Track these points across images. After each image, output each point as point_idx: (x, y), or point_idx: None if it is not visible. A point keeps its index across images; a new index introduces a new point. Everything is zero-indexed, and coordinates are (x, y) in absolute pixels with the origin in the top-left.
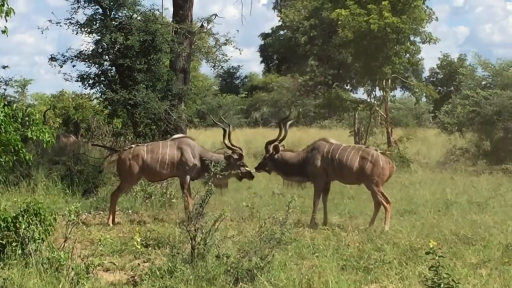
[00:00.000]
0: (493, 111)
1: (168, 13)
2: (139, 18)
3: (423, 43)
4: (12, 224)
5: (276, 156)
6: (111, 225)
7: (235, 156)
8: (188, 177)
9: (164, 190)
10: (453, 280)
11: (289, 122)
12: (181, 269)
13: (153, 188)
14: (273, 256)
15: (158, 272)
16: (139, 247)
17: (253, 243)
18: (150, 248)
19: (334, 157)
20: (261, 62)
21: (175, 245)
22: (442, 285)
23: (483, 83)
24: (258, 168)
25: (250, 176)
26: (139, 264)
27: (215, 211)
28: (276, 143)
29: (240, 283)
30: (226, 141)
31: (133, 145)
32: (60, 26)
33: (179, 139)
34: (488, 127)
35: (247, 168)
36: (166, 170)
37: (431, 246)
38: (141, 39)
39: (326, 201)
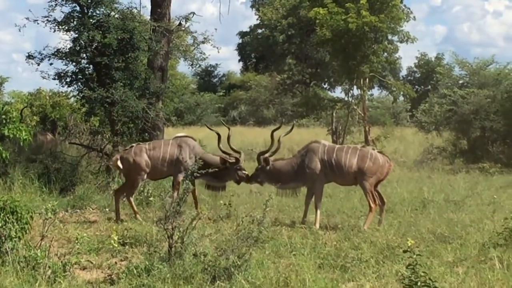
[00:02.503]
0: (470, 110)
1: (146, 11)
2: (116, 16)
3: (401, 42)
4: None
5: (267, 167)
6: (139, 219)
7: (231, 160)
8: (180, 176)
9: (142, 189)
10: (430, 279)
11: (283, 134)
12: (158, 267)
13: None
14: (251, 254)
15: (135, 271)
16: (116, 245)
17: (230, 242)
18: (127, 247)
19: (331, 158)
20: (239, 60)
21: (152, 243)
22: (419, 284)
23: (460, 82)
24: (250, 181)
25: (247, 180)
26: (116, 263)
27: (192, 209)
28: (266, 155)
29: (217, 282)
30: (221, 146)
31: (133, 144)
32: (38, 24)
33: (180, 138)
34: (465, 126)
35: (244, 172)
36: (167, 168)
37: (408, 244)
38: (119, 37)
39: (308, 203)
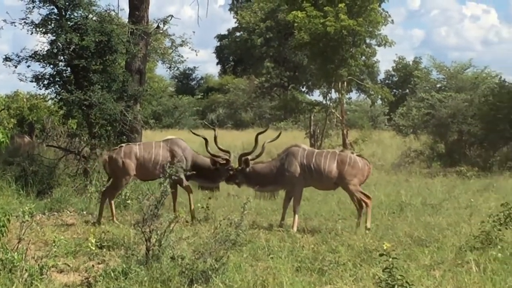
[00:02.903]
0: (448, 113)
1: (124, 14)
2: (94, 18)
3: (379, 45)
4: None
5: (247, 169)
6: (116, 222)
7: (221, 161)
8: (183, 178)
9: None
10: (407, 282)
11: (268, 140)
12: (135, 270)
13: None
14: (228, 257)
15: (112, 274)
16: (93, 248)
17: (208, 245)
18: (104, 250)
19: (310, 163)
20: (217, 63)
21: (129, 246)
22: (396, 287)
23: (438, 85)
24: (228, 180)
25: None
26: (93, 266)
27: (170, 212)
28: (247, 156)
29: (195, 285)
30: (209, 149)
31: (122, 145)
32: (15, 26)
33: (171, 140)
34: (442, 129)
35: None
36: (158, 170)
37: (385, 248)
38: (97, 40)
39: (286, 207)
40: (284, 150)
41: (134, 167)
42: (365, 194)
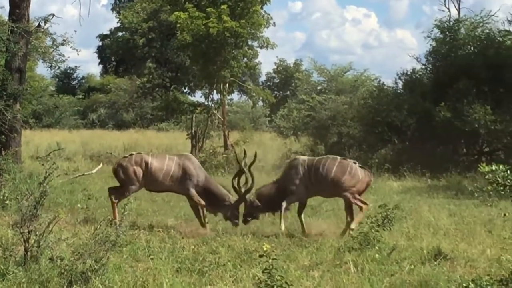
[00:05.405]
0: (328, 116)
1: (4, 12)
2: None
3: (261, 47)
4: None
5: (254, 203)
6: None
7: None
8: (193, 192)
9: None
10: (286, 282)
11: (248, 164)
12: (13, 271)
13: None
14: (108, 258)
15: None
16: None
17: (87, 246)
18: None
19: (311, 171)
20: (99, 63)
21: (7, 247)
22: (275, 287)
23: (319, 88)
24: (245, 222)
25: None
26: None
27: (49, 213)
28: (250, 199)
29: (74, 286)
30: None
31: (133, 153)
32: None
33: (185, 156)
34: (322, 131)
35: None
36: (168, 183)
37: (265, 248)
38: None
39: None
40: (285, 165)
41: (143, 176)
42: (360, 201)
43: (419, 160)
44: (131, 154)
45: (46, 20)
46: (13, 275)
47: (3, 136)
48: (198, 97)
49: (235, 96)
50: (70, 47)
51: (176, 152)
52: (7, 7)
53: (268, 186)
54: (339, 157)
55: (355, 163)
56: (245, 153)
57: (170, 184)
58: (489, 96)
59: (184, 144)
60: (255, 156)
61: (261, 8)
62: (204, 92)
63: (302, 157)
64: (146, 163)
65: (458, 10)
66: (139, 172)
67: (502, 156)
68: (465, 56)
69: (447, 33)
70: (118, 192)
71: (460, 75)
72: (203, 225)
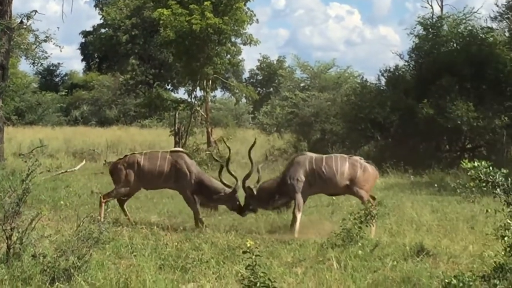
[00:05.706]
0: (311, 112)
1: None
2: None
3: (244, 44)
4: None
5: (254, 194)
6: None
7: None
8: (188, 191)
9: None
10: (269, 279)
11: (260, 165)
12: None
13: None
14: (91, 255)
15: None
16: None
17: (70, 242)
18: None
19: (320, 168)
20: (82, 60)
21: None
22: (258, 284)
23: (302, 85)
24: (241, 212)
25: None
26: None
27: (32, 210)
28: (249, 186)
29: (57, 283)
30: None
31: (128, 154)
32: None
33: (177, 153)
34: (306, 128)
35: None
36: (162, 181)
37: (248, 245)
38: None
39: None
40: (289, 160)
41: (135, 177)
42: (372, 197)
43: (402, 157)
44: (126, 156)
45: (28, 16)
46: None
47: None
48: (181, 94)
49: (218, 93)
50: (53, 44)
51: (160, 148)
52: None
53: (270, 181)
54: (345, 155)
55: (361, 159)
56: (229, 150)
57: (165, 183)
58: (471, 93)
59: (167, 141)
60: (255, 141)
61: (244, 4)
62: (187, 89)
63: (310, 154)
64: (139, 165)
65: (441, 7)
66: (131, 175)
67: (485, 152)
68: (448, 53)
69: (430, 30)
70: (111, 194)
71: (443, 72)
72: (197, 224)
